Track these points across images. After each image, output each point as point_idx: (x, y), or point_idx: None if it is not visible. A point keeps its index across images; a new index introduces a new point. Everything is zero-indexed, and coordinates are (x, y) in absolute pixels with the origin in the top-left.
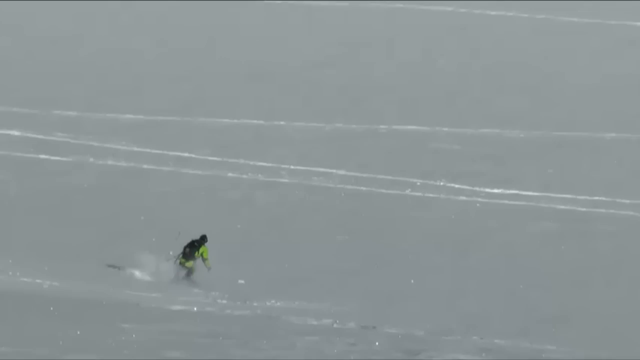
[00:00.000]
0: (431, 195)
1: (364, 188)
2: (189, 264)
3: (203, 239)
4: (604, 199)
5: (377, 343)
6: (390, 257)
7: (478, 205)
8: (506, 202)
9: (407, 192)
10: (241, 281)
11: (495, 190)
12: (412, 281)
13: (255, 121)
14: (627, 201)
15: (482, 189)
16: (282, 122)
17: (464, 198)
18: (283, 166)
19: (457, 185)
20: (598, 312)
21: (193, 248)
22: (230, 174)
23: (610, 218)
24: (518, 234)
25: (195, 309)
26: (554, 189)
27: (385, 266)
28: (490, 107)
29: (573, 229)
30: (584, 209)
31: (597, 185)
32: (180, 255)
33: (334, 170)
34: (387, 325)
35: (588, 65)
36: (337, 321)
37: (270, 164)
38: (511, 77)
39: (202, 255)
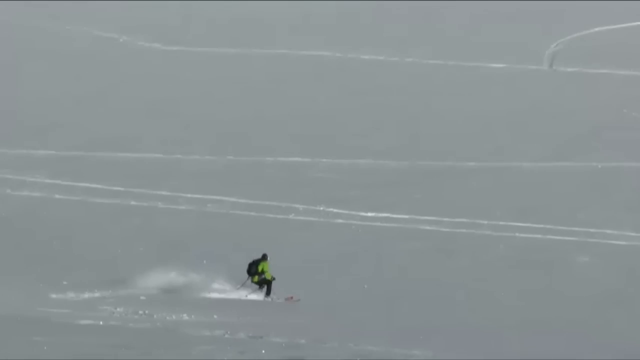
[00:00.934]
0: (312, 218)
1: (253, 213)
2: (256, 279)
3: (264, 257)
4: (465, 220)
5: (263, 351)
6: (277, 273)
7: (353, 227)
8: (378, 224)
9: (291, 216)
10: (142, 297)
11: (369, 214)
12: (297, 295)
13: (155, 155)
14: (485, 222)
15: (357, 213)
16: (179, 155)
17: (341, 221)
18: (180, 194)
19: (335, 210)
20: (460, 321)
21: (255, 266)
22: (133, 202)
23: (470, 237)
24: (389, 252)
25: (101, 322)
26: (421, 212)
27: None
28: (364, 141)
29: (438, 247)
30: (447, 230)
31: (459, 208)
32: (249, 277)
33: (226, 198)
34: (273, 335)
35: (450, 103)
36: (229, 332)
37: (168, 193)
38: (383, 114)
39: (262, 270)
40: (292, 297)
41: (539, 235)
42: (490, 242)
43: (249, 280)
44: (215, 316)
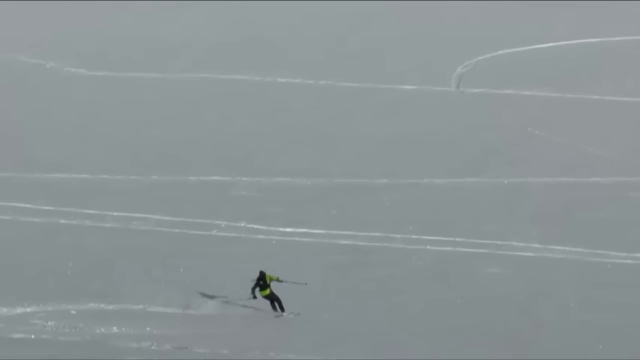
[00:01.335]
0: (234, 235)
1: (176, 230)
2: (266, 292)
3: (262, 273)
4: (379, 234)
5: None
6: (202, 287)
7: (273, 242)
8: (297, 239)
9: (214, 232)
10: (73, 312)
11: (288, 229)
12: (220, 308)
13: (82, 175)
14: (398, 236)
15: (276, 229)
16: (105, 176)
17: (261, 236)
18: (107, 213)
19: (255, 226)
20: (376, 329)
21: (264, 279)
22: (62, 221)
23: (384, 250)
24: (308, 265)
25: (32, 336)
26: (337, 227)
27: (197, 296)
28: (281, 160)
29: (354, 260)
30: (362, 243)
31: (373, 223)
32: (257, 290)
33: (151, 215)
34: (197, 346)
35: (363, 123)
36: (155, 344)
37: (95, 212)
38: (299, 134)
39: (271, 280)
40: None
41: (449, 248)
42: (403, 254)
43: (259, 295)
44: (147, 328)
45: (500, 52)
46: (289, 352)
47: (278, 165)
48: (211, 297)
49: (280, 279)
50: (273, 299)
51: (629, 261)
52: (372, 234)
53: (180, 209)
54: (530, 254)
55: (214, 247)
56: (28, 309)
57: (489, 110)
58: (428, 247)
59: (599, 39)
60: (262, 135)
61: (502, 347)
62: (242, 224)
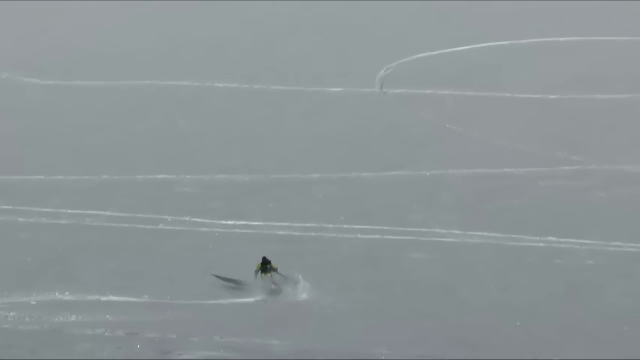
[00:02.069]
0: (179, 228)
1: (126, 225)
2: (269, 274)
3: (265, 259)
4: (313, 225)
5: (138, 346)
6: (149, 277)
7: (216, 234)
8: (238, 231)
9: (161, 226)
10: (33, 303)
11: (229, 222)
12: (169, 296)
13: (38, 177)
14: (331, 226)
15: (218, 222)
16: (60, 177)
17: (205, 229)
18: (62, 211)
19: (199, 220)
20: (312, 312)
21: (267, 265)
22: (20, 219)
23: (318, 240)
24: (248, 254)
25: None
26: (275, 219)
27: (146, 285)
28: (221, 159)
29: (291, 249)
30: (298, 234)
31: (308, 215)
32: (260, 272)
33: (103, 212)
34: (147, 332)
35: (295, 123)
36: (108, 330)
37: (51, 210)
38: (236, 134)
39: (272, 269)
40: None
41: (378, 236)
42: (336, 243)
43: (260, 276)
44: (101, 316)
45: (420, 55)
46: (232, 335)
47: (218, 164)
48: (160, 286)
49: (278, 270)
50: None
51: (542, 244)
52: (307, 224)
53: (130, 206)
54: (452, 240)
55: (161, 240)
56: None
57: (411, 109)
58: (359, 235)
59: (509, 42)
60: (203, 136)
61: (429, 327)
62: (187, 219)
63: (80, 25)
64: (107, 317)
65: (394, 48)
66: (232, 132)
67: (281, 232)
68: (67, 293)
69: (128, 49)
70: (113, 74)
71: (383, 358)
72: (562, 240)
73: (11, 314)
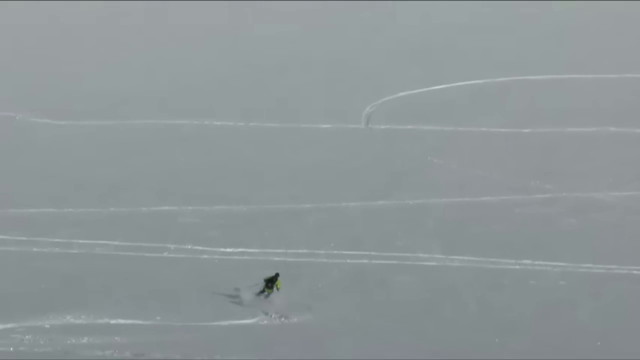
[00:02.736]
0: (182, 255)
1: (132, 253)
2: (270, 290)
3: (277, 275)
4: (305, 251)
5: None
6: (155, 301)
7: (216, 261)
8: (236, 257)
9: (165, 254)
10: (47, 326)
11: (228, 249)
12: (173, 319)
13: (49, 209)
14: (322, 252)
15: (218, 249)
16: (70, 209)
17: (205, 256)
18: (73, 241)
19: (200, 247)
20: (306, 331)
21: (272, 282)
22: (34, 249)
23: (310, 265)
24: (246, 279)
25: (11, 349)
26: (270, 246)
27: (152, 309)
28: (220, 191)
29: (285, 274)
30: (291, 259)
31: (300, 241)
32: (265, 288)
33: (111, 242)
34: (153, 352)
35: (288, 156)
36: (116, 351)
37: (63, 240)
38: (234, 168)
39: (277, 286)
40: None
41: (365, 261)
42: (326, 267)
43: (265, 288)
44: (110, 338)
45: (402, 93)
46: (231, 354)
47: (217, 195)
48: (165, 309)
49: (279, 289)
50: (265, 291)
51: (517, 267)
52: (300, 250)
53: (136, 235)
54: (434, 264)
55: (165, 267)
56: (7, 325)
57: (394, 143)
58: (347, 260)
59: (484, 80)
60: (202, 170)
61: (413, 343)
62: (189, 247)
63: (88, 69)
64: (116, 339)
65: (378, 87)
66: (230, 166)
67: (276, 258)
68: (78, 317)
69: (132, 91)
70: (119, 114)
71: None
72: (536, 262)
73: (27, 337)
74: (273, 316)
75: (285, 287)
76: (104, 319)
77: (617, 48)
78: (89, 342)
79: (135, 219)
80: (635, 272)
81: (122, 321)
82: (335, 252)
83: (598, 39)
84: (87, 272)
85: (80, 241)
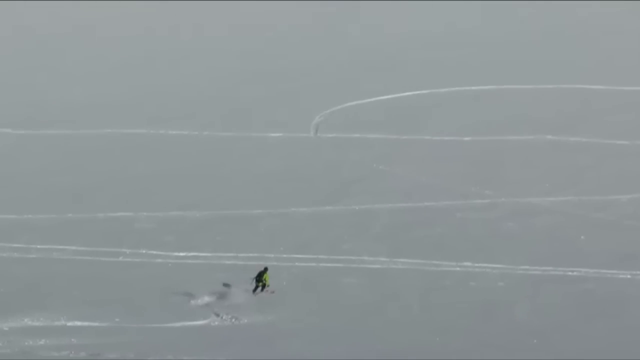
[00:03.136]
0: (137, 260)
1: (89, 258)
2: (260, 283)
3: (266, 269)
4: (256, 255)
5: None
6: (110, 304)
7: (170, 265)
8: (189, 261)
9: (120, 258)
10: (5, 329)
11: (181, 254)
12: (127, 321)
13: (9, 215)
14: (272, 255)
15: (172, 253)
16: (29, 215)
17: (159, 260)
18: (31, 246)
19: (154, 252)
20: (257, 331)
21: (260, 275)
22: None
23: (260, 268)
24: (198, 282)
25: None
26: (222, 250)
27: (107, 311)
28: (173, 197)
29: (237, 276)
30: (242, 263)
31: (251, 245)
32: (256, 280)
33: (68, 247)
34: (108, 353)
35: (240, 164)
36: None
37: (22, 245)
38: (188, 175)
39: (265, 278)
40: (273, 291)
41: (314, 264)
42: (276, 270)
43: (254, 283)
44: (66, 339)
45: (349, 103)
46: (183, 354)
47: (171, 202)
48: (120, 311)
49: (267, 284)
50: (259, 286)
51: (458, 269)
52: (251, 254)
53: (92, 241)
54: (379, 266)
55: (121, 271)
56: None
57: (342, 151)
58: (296, 264)
59: (428, 91)
60: (157, 178)
61: (360, 342)
62: (144, 251)
63: (46, 80)
64: (72, 340)
65: (327, 97)
66: (184, 173)
67: (227, 262)
68: (36, 320)
69: (89, 101)
70: (76, 123)
71: None
72: (476, 264)
73: None
74: (224, 317)
75: (236, 289)
76: (61, 321)
77: (555, 60)
78: (46, 344)
79: (92, 224)
80: (569, 273)
81: (78, 323)
82: (285, 255)
83: (537, 51)
84: (45, 276)
85: (38, 246)
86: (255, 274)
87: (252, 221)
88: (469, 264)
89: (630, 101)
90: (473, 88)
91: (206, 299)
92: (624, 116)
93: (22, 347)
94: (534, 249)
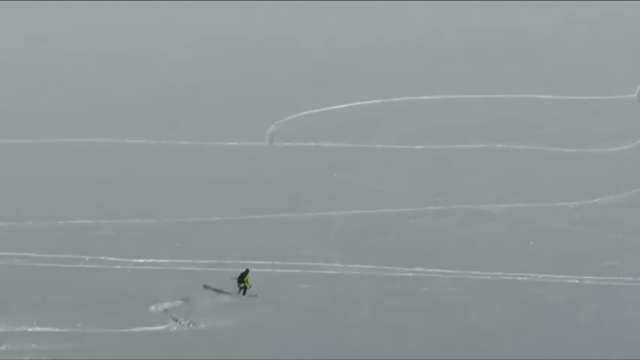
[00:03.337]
0: (97, 266)
1: (49, 264)
2: (242, 285)
3: (247, 271)
4: (213, 261)
5: None
6: (71, 309)
7: (129, 271)
8: (148, 267)
9: (80, 265)
10: None
11: (140, 260)
12: (88, 326)
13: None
14: (229, 261)
15: (130, 260)
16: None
17: (118, 267)
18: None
19: (114, 259)
20: (214, 336)
21: (242, 277)
22: None
23: (218, 274)
24: (157, 289)
25: None
26: (180, 257)
27: (68, 317)
28: (132, 205)
29: (194, 282)
30: (200, 269)
31: (209, 252)
32: (238, 282)
33: (29, 254)
34: (68, 357)
35: (194, 174)
36: (33, 357)
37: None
38: (146, 183)
39: (247, 280)
40: (255, 295)
41: (270, 270)
42: (268, 278)
43: (237, 286)
44: (34, 345)
45: (304, 113)
46: (143, 358)
47: (130, 210)
48: (80, 317)
49: (250, 285)
50: (242, 288)
51: (411, 274)
52: (208, 261)
53: (53, 247)
54: (334, 272)
55: (81, 277)
56: None
57: (296, 160)
58: (253, 270)
59: (381, 100)
60: (117, 186)
61: (315, 346)
62: (103, 258)
63: (6, 90)
64: (33, 345)
65: (282, 107)
66: (143, 181)
67: (185, 268)
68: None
69: (49, 111)
70: (37, 132)
71: None
72: (429, 270)
73: None
74: (182, 322)
75: (195, 295)
76: (22, 327)
77: (505, 70)
78: (7, 349)
79: (52, 231)
80: (519, 278)
81: (39, 329)
82: (241, 261)
83: (487, 62)
84: (6, 282)
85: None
86: (229, 278)
87: (210, 228)
88: (421, 269)
89: (577, 110)
90: (424, 97)
91: (165, 304)
92: (571, 124)
93: None
94: (484, 254)
